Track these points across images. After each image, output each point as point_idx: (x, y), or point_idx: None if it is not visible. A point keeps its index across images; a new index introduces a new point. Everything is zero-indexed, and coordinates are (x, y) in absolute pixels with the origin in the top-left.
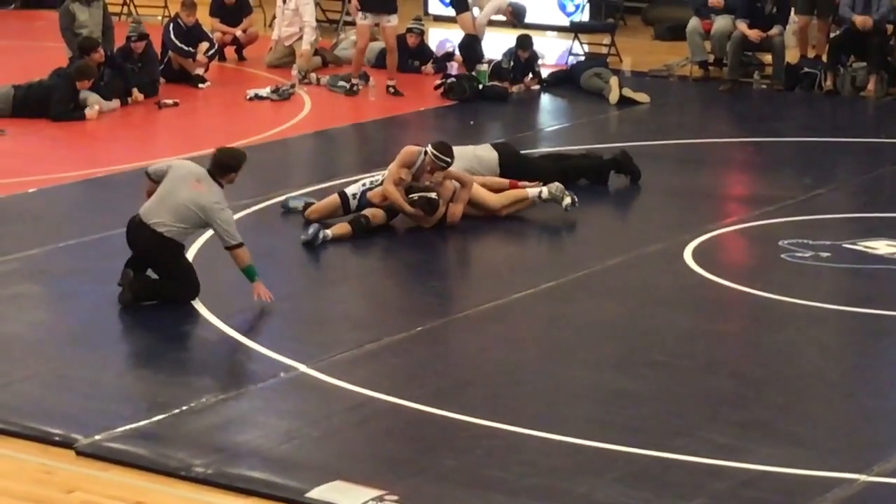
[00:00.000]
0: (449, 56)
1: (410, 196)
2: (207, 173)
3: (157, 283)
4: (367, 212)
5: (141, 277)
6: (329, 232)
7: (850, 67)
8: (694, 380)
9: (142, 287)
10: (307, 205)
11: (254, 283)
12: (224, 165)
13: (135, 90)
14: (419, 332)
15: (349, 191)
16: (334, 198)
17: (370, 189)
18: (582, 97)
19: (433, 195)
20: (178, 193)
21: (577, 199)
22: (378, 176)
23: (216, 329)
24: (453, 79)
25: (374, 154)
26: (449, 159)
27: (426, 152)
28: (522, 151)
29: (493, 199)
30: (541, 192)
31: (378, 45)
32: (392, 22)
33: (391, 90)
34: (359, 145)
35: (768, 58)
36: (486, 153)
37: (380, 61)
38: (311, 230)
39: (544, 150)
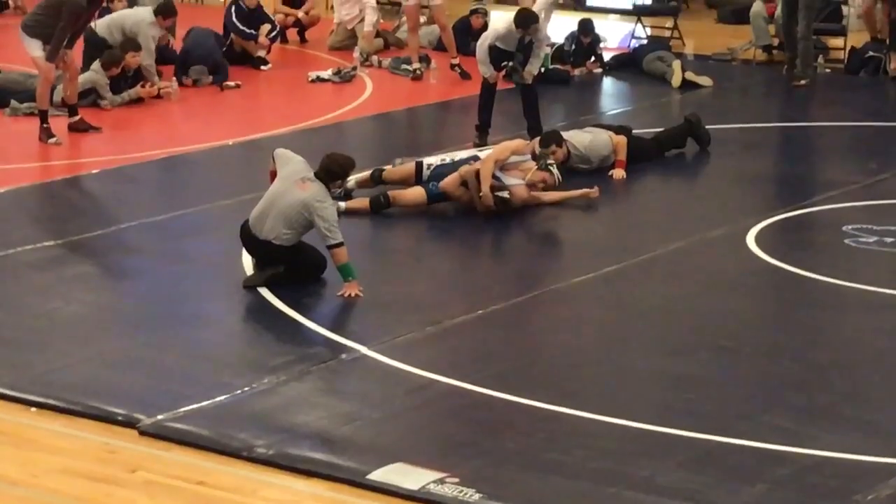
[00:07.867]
0: None
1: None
2: (315, 175)
3: (284, 273)
4: (391, 192)
5: (269, 274)
6: (343, 204)
7: None
8: (757, 365)
9: (271, 280)
10: (379, 170)
11: (346, 282)
12: (332, 172)
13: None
14: (480, 314)
15: (427, 160)
16: (411, 165)
17: (446, 165)
18: (644, 81)
19: (506, 195)
20: (284, 197)
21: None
22: (459, 155)
23: (278, 311)
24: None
25: (436, 137)
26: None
27: (546, 167)
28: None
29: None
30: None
31: (437, 28)
32: (437, 0)
33: (457, 70)
34: (420, 128)
35: (833, 42)
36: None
37: (441, 44)
38: None
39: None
